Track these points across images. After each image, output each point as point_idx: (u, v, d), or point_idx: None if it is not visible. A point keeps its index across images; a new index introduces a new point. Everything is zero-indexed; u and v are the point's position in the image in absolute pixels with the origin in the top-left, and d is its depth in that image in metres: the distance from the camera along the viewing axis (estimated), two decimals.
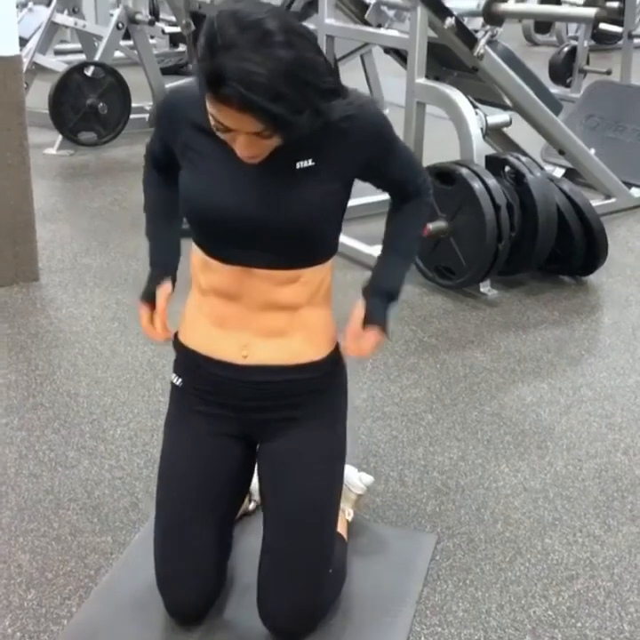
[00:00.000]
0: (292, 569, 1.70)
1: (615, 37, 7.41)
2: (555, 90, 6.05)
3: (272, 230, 1.58)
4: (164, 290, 1.77)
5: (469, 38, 3.51)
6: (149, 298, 1.79)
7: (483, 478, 2.36)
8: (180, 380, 1.79)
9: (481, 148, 3.40)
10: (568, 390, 2.81)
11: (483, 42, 3.48)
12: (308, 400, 1.72)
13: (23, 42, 7.30)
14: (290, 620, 1.72)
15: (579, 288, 3.57)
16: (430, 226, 3.33)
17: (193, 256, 1.70)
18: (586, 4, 6.42)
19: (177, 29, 6.62)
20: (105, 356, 2.94)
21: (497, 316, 3.31)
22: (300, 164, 1.56)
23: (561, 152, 4.13)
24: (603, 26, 7.27)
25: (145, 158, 1.86)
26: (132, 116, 5.22)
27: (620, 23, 6.83)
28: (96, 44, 5.74)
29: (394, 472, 2.37)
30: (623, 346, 3.12)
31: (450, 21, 3.42)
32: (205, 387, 1.73)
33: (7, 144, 3.27)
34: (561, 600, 1.94)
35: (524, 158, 3.48)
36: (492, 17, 3.50)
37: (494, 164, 3.41)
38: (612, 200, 4.32)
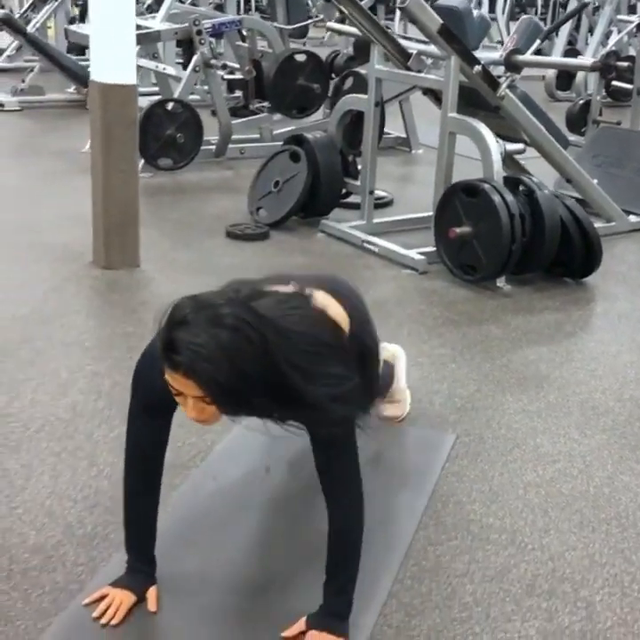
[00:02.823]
0: None
1: (628, 94, 8.25)
2: (571, 137, 6.87)
3: None
4: (153, 595, 2.04)
5: (493, 82, 4.35)
6: (124, 585, 2.02)
7: (492, 403, 3.13)
8: None
9: (500, 170, 4.20)
10: (563, 353, 3.58)
11: (504, 85, 4.32)
12: None
13: None
14: None
15: (577, 287, 4.34)
16: (457, 230, 4.14)
17: None
18: (599, 61, 7.29)
19: (233, 76, 7.52)
20: None
21: (509, 304, 4.08)
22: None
23: (568, 180, 4.94)
24: (616, 83, 8.13)
25: (130, 430, 2.05)
26: (203, 147, 6.09)
27: (631, 81, 7.70)
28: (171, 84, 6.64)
29: (425, 397, 3.14)
30: (610, 327, 3.88)
31: (477, 68, 4.27)
32: None
33: (122, 154, 4.11)
34: (545, 473, 2.70)
35: (535, 179, 4.28)
36: (512, 65, 4.35)
37: (510, 182, 4.21)
38: (612, 224, 5.11)
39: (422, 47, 4.74)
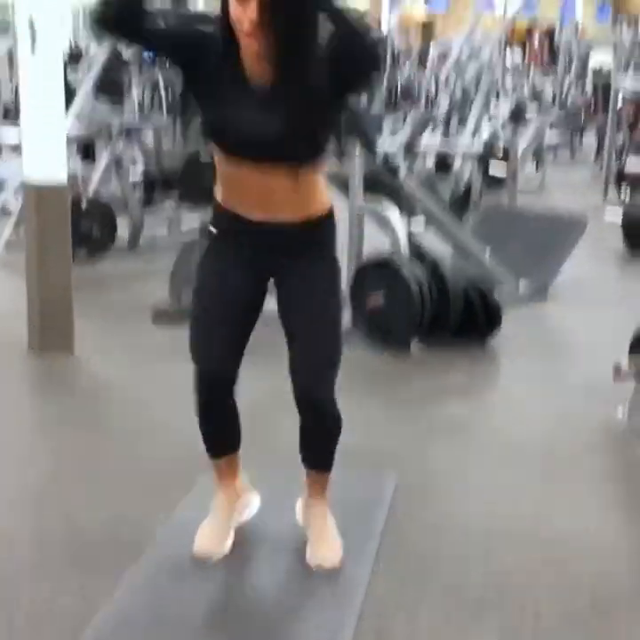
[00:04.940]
0: (312, 347, 2.48)
1: (502, 181, 9.02)
2: None
3: (272, 132, 2.26)
4: None
5: (393, 169, 4.84)
6: None
7: (424, 448, 3.48)
8: (215, 229, 2.50)
9: (406, 245, 4.65)
10: (476, 404, 4.03)
11: (402, 171, 4.81)
12: (309, 247, 2.45)
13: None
14: (310, 378, 2.48)
15: (481, 348, 4.75)
16: (371, 301, 4.54)
17: (216, 157, 2.38)
18: (481, 155, 7.99)
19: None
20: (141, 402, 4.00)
21: (424, 365, 4.47)
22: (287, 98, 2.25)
23: (465, 254, 5.43)
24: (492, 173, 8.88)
25: None
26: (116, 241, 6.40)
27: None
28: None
29: (363, 446, 3.45)
30: (513, 381, 4.37)
31: (379, 156, 4.76)
32: (234, 233, 2.46)
33: (57, 250, 4.35)
34: (484, 501, 3.05)
35: (438, 253, 4.75)
36: (409, 153, 4.85)
37: (417, 256, 4.67)
38: (505, 292, 5.60)
39: None
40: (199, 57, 2.29)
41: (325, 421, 2.57)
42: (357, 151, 4.69)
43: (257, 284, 2.53)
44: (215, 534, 2.68)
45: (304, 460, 2.66)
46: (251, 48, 2.23)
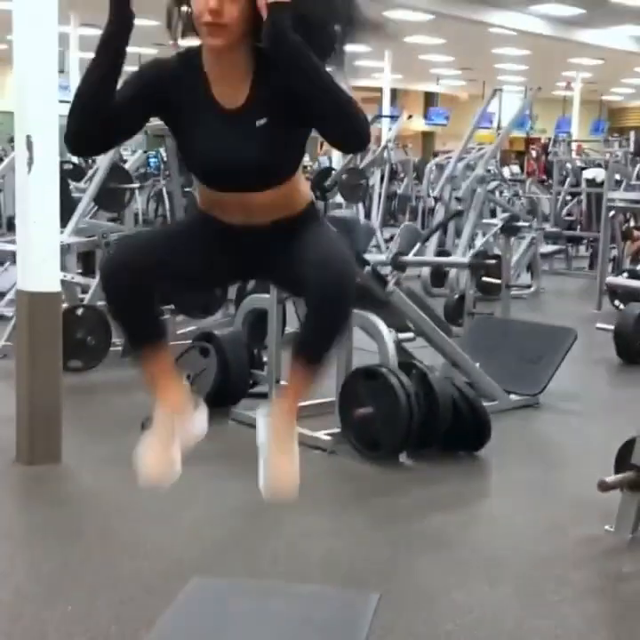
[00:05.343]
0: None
1: (497, 289, 9.10)
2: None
3: (247, 167, 2.19)
4: None
5: (382, 281, 4.90)
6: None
7: (408, 564, 3.43)
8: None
9: (394, 356, 4.68)
10: (465, 517, 3.97)
11: (391, 283, 4.88)
12: (293, 234, 2.28)
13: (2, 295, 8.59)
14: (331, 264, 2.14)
15: (471, 459, 4.71)
16: (360, 411, 4.54)
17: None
18: (471, 259, 8.11)
19: None
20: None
21: (412, 476, 4.44)
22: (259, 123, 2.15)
23: (454, 365, 5.46)
24: (486, 279, 8.98)
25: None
26: (111, 348, 6.43)
27: (499, 276, 8.53)
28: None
29: (345, 561, 3.41)
30: (503, 493, 4.33)
31: (367, 269, 4.83)
32: (215, 231, 2.33)
33: (47, 357, 4.38)
34: (463, 622, 2.99)
35: (425, 363, 4.78)
36: (398, 265, 4.92)
37: (405, 367, 4.69)
38: (496, 402, 5.61)
39: None
40: (163, 97, 2.20)
41: (346, 295, 2.14)
42: None
43: (233, 268, 2.39)
44: (161, 457, 2.35)
45: (301, 348, 2.21)
46: (215, 58, 2.14)
